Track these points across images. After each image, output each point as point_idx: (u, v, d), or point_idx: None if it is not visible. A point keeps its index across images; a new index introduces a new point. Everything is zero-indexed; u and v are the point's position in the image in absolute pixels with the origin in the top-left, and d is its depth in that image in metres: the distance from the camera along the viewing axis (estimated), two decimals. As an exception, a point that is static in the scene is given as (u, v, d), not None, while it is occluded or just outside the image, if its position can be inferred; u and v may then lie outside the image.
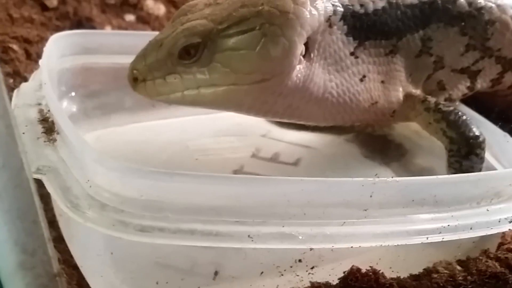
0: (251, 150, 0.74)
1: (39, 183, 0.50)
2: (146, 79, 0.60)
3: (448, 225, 0.54)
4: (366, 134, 0.76)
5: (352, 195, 0.51)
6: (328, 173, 0.70)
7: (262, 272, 0.53)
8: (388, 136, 0.75)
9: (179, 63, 0.59)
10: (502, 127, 0.70)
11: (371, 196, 0.51)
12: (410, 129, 0.74)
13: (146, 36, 0.84)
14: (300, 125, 0.74)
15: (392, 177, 0.64)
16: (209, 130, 0.76)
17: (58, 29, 0.94)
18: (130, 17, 1.02)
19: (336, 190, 0.51)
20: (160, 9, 1.04)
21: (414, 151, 0.74)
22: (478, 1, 0.69)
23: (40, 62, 0.64)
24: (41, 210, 0.40)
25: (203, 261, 0.53)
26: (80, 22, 0.98)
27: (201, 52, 0.58)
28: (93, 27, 0.96)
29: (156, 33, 0.91)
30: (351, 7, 0.63)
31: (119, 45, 0.77)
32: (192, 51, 0.58)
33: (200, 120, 0.71)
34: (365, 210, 0.51)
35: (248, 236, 0.48)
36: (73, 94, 0.75)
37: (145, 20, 1.02)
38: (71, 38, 0.73)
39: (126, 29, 0.99)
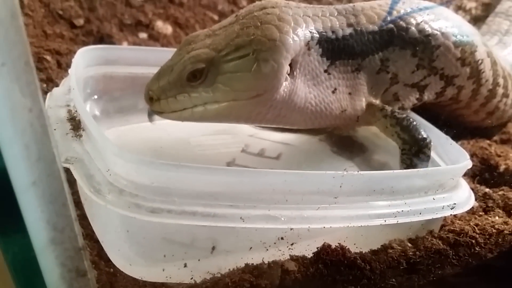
0: (241, 146, 0.73)
1: (67, 171, 0.49)
2: (160, 98, 0.59)
3: (402, 210, 0.54)
4: (335, 135, 0.75)
5: (325, 185, 0.51)
6: (304, 166, 0.70)
7: (251, 247, 0.52)
8: (353, 137, 0.75)
9: (188, 85, 0.58)
10: (445, 131, 0.70)
11: (340, 186, 0.51)
12: (370, 132, 0.74)
13: (156, 51, 0.85)
14: (282, 128, 0.74)
15: (357, 171, 0.63)
16: (207, 129, 0.75)
17: (84, 43, 0.93)
18: (143, 35, 1.01)
19: (312, 181, 0.51)
20: (168, 29, 1.03)
21: (373, 149, 0.74)
22: (426, 29, 0.69)
23: (69, 70, 0.63)
24: (69, 195, 0.39)
25: (202, 238, 0.53)
26: (102, 38, 0.96)
27: (206, 75, 0.58)
28: (112, 43, 0.95)
29: (165, 49, 0.92)
30: (324, 33, 0.63)
31: (134, 58, 0.76)
32: (198, 75, 0.58)
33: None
34: (336, 197, 0.51)
35: (240, 217, 0.48)
36: (95, 97, 0.73)
37: (156, 38, 1.01)
38: (94, 51, 0.72)
39: (140, 45, 0.98)
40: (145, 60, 0.75)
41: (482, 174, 0.77)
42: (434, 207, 0.56)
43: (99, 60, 0.73)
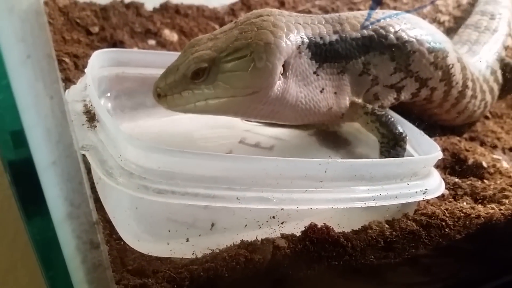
0: (238, 139, 0.73)
1: (83, 157, 0.50)
2: (167, 95, 0.60)
3: (380, 194, 0.54)
4: (322, 130, 0.76)
5: (312, 171, 0.51)
6: (294, 157, 0.70)
7: (246, 225, 0.53)
8: (338, 132, 0.76)
9: (191, 82, 0.59)
10: (418, 126, 0.71)
11: (325, 172, 0.51)
12: (353, 127, 0.74)
13: (163, 55, 0.86)
14: (275, 123, 0.74)
15: (340, 159, 0.64)
16: (208, 123, 0.75)
17: (98, 48, 0.93)
18: (151, 42, 1.02)
19: (300, 167, 0.51)
20: (174, 37, 1.04)
21: (356, 143, 0.74)
22: (403, 37, 0.69)
23: (85, 70, 0.64)
24: (85, 175, 0.40)
25: (201, 218, 0.53)
26: (115, 44, 0.96)
27: (207, 74, 0.58)
28: (124, 48, 0.95)
29: (170, 52, 0.93)
30: (314, 39, 0.63)
31: (143, 60, 0.76)
32: (201, 73, 0.58)
33: (201, 116, 0.70)
34: (321, 181, 0.52)
35: (237, 198, 0.49)
36: (108, 94, 0.74)
37: (163, 44, 1.02)
38: (108, 54, 0.73)
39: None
40: (153, 62, 0.76)
41: (453, 166, 0.78)
42: (408, 192, 0.56)
43: (112, 61, 0.73)
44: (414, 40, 0.70)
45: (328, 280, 0.57)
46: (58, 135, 0.37)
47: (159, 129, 0.75)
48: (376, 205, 0.54)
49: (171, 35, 1.04)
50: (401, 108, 0.74)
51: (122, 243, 0.55)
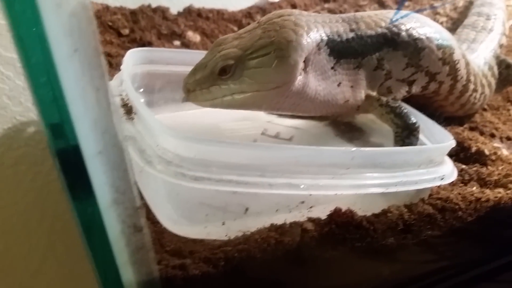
0: (261, 130, 0.70)
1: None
2: (196, 90, 0.57)
3: (401, 180, 0.51)
4: (337, 121, 0.72)
5: (339, 158, 0.48)
6: (312, 146, 0.67)
7: (277, 210, 0.50)
8: (352, 122, 0.72)
9: (219, 78, 0.56)
10: (429, 117, 0.67)
11: (352, 159, 0.48)
12: (367, 118, 0.71)
13: (189, 53, 0.83)
14: (293, 115, 0.71)
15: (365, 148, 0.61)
16: (233, 116, 0.72)
17: (129, 48, 0.90)
18: (176, 43, 0.98)
19: (328, 155, 0.48)
20: (197, 38, 1.00)
21: (370, 133, 0.71)
22: (414, 34, 0.66)
23: (121, 67, 0.61)
24: (129, 163, 0.37)
25: (233, 203, 0.50)
26: (144, 45, 0.93)
27: (234, 70, 0.55)
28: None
29: (196, 51, 0.90)
30: (332, 36, 0.60)
31: (172, 59, 0.73)
32: (228, 70, 0.55)
33: (225, 110, 0.67)
34: (348, 168, 0.48)
35: (269, 184, 0.46)
36: (141, 90, 0.71)
37: (187, 45, 0.98)
38: (141, 53, 0.70)
39: (174, 50, 0.95)
40: (181, 60, 0.73)
41: (458, 154, 0.74)
42: (428, 178, 0.53)
43: (144, 60, 0.70)
44: (424, 37, 0.66)
45: (348, 259, 0.54)
46: (104, 125, 0.34)
47: (187, 121, 0.72)
48: (397, 190, 0.51)
49: (194, 36, 1.01)
50: (409, 101, 0.71)
51: (159, 227, 0.52)
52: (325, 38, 0.59)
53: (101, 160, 0.35)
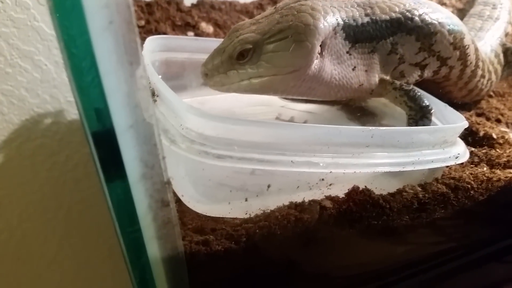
0: (275, 115, 0.70)
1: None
2: (214, 75, 0.56)
3: (418, 159, 0.50)
4: (349, 105, 0.72)
5: (357, 138, 0.47)
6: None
7: (298, 187, 0.49)
8: (364, 106, 0.71)
9: (236, 63, 0.55)
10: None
11: (371, 137, 0.47)
12: (379, 102, 0.70)
13: (205, 41, 0.80)
14: (307, 100, 0.70)
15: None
16: (247, 101, 0.71)
17: (145, 39, 0.90)
18: (190, 33, 0.97)
19: (348, 133, 0.47)
20: (210, 29, 0.99)
21: (382, 116, 0.70)
22: (427, 19, 0.65)
23: (141, 53, 0.60)
24: (158, 138, 0.36)
25: (253, 180, 0.49)
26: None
27: (252, 54, 0.54)
28: (167, 39, 0.91)
29: (212, 39, 0.89)
30: (347, 21, 0.59)
31: (188, 46, 0.72)
32: (245, 54, 0.54)
33: (241, 96, 0.66)
34: (367, 146, 0.48)
35: (291, 161, 0.45)
36: (160, 77, 0.70)
37: (200, 36, 0.97)
38: (159, 40, 0.69)
39: (188, 41, 0.94)
40: (197, 48, 0.72)
41: (466, 137, 0.73)
42: (444, 157, 0.52)
43: (162, 47, 0.69)
44: (436, 22, 0.65)
45: (364, 237, 0.54)
46: (136, 99, 0.34)
47: (204, 107, 0.71)
48: (414, 169, 0.50)
49: (207, 27, 1.00)
50: (423, 85, 0.70)
51: (181, 205, 0.51)
52: (341, 22, 0.58)
53: (132, 135, 0.35)
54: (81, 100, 0.32)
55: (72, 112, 0.79)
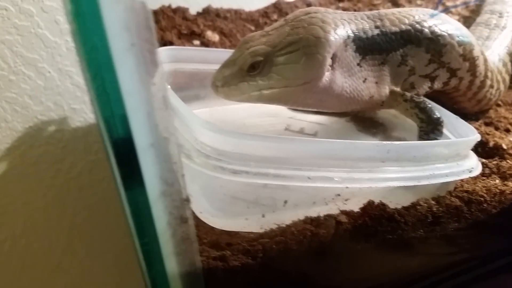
0: (284, 126, 0.70)
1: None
2: (225, 86, 0.57)
3: (433, 173, 0.50)
4: (359, 116, 0.72)
5: (373, 152, 0.48)
6: (337, 141, 0.67)
7: (314, 202, 0.49)
8: (374, 117, 0.72)
9: (247, 75, 0.55)
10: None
11: (387, 152, 0.47)
12: (389, 113, 0.70)
13: (213, 51, 0.82)
14: (315, 111, 0.70)
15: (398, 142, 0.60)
16: (256, 112, 0.71)
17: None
18: (196, 42, 0.97)
19: (364, 148, 0.48)
20: (216, 37, 0.99)
21: (391, 128, 0.70)
22: (437, 31, 0.65)
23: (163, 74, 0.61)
24: (178, 156, 0.36)
25: (270, 195, 0.49)
26: (165, 44, 0.92)
27: (262, 67, 0.55)
28: (173, 48, 0.92)
29: (219, 49, 0.90)
30: (358, 33, 0.60)
31: (196, 57, 0.73)
32: (256, 66, 0.55)
33: (250, 106, 0.67)
34: (383, 162, 0.48)
35: (308, 177, 0.45)
36: (168, 87, 0.70)
37: (206, 44, 0.97)
38: (167, 51, 0.70)
39: (193, 50, 0.94)
40: (205, 58, 0.72)
41: (476, 148, 0.73)
42: (458, 170, 0.52)
43: (170, 58, 0.70)
44: (446, 34, 0.66)
45: (379, 251, 0.54)
46: (157, 118, 0.34)
47: (212, 118, 0.71)
48: (429, 183, 0.50)
49: (213, 36, 1.00)
50: (427, 97, 0.70)
51: (196, 220, 0.51)
52: (351, 35, 0.59)
53: (153, 153, 0.35)
54: (104, 121, 0.32)
55: (76, 120, 0.79)
